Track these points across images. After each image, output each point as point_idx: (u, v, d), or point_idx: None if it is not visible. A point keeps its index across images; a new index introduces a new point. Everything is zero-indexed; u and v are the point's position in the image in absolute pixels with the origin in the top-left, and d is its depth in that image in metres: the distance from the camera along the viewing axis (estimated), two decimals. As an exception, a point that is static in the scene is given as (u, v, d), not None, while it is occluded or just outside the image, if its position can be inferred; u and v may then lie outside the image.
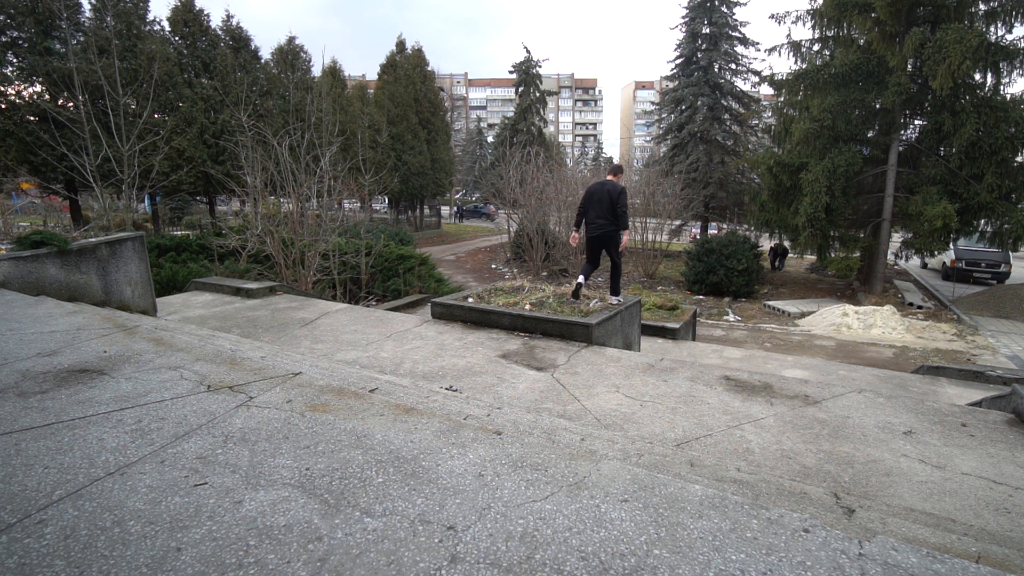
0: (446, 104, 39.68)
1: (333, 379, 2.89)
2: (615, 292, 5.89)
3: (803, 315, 14.13)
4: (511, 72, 37.84)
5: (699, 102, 26.43)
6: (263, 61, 22.57)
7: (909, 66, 15.17)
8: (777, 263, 22.77)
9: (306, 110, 11.17)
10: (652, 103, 46.20)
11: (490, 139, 59.55)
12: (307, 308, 6.40)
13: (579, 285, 5.79)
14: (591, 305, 5.66)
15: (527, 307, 5.56)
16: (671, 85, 28.94)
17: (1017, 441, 3.12)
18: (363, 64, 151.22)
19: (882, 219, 16.60)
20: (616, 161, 63.42)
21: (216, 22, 21.10)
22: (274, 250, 9.71)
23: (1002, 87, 14.76)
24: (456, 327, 5.45)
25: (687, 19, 26.82)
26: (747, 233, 20.41)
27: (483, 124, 67.53)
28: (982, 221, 15.49)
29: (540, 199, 19.68)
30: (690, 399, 3.68)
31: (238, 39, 21.42)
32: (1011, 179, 14.30)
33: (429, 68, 32.21)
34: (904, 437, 3.15)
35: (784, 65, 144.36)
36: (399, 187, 28.34)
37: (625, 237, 5.70)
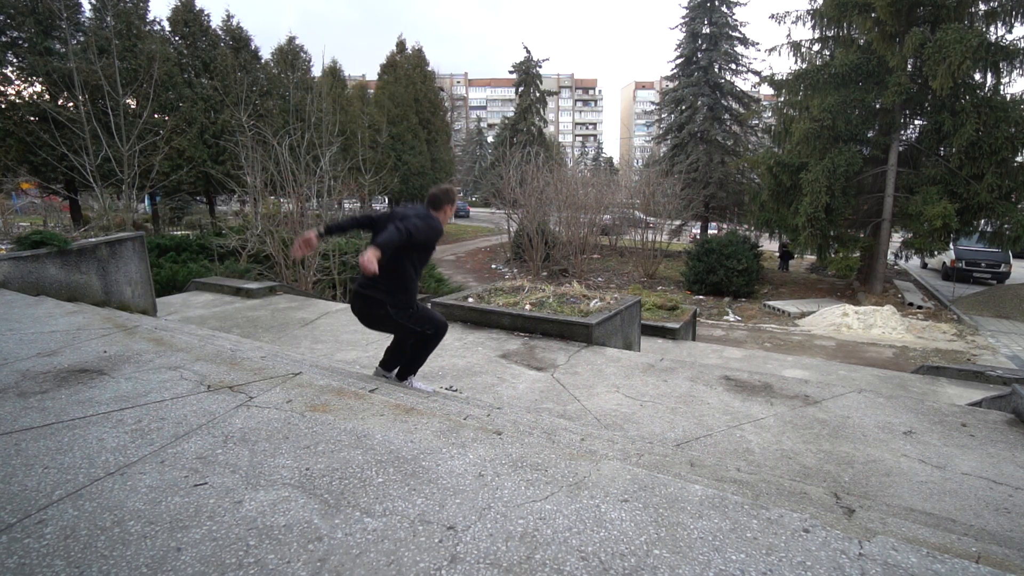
0: (446, 104, 39.69)
1: (333, 379, 2.89)
2: (409, 372, 3.41)
3: (803, 315, 14.13)
4: (511, 72, 37.84)
5: (699, 102, 26.42)
6: (263, 61, 22.59)
7: (909, 66, 15.16)
8: (780, 265, 22.77)
9: (306, 110, 11.18)
10: (652, 103, 46.21)
11: (490, 139, 59.56)
12: (307, 308, 6.40)
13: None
14: (591, 305, 5.66)
15: (527, 307, 5.56)
16: (671, 85, 28.93)
17: (1017, 441, 3.12)
18: (367, 55, 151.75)
19: (882, 219, 16.60)
20: (616, 162, 63.14)
21: (216, 22, 21.15)
22: (274, 250, 9.71)
23: (1002, 87, 14.76)
24: (456, 327, 5.45)
25: (687, 19, 26.82)
26: (747, 233, 20.42)
27: (483, 124, 67.55)
28: (982, 221, 15.49)
29: (540, 199, 19.69)
30: (690, 399, 3.68)
31: (238, 39, 21.42)
32: (1011, 179, 14.30)
33: (429, 68, 32.23)
34: (904, 437, 3.15)
35: (784, 65, 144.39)
36: (399, 187, 28.34)
37: (371, 253, 2.59)
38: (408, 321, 3.11)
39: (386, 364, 3.44)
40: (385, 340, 4.76)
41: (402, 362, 3.38)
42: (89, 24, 16.95)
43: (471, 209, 51.77)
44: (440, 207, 3.17)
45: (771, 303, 15.75)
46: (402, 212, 3.07)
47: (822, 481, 2.62)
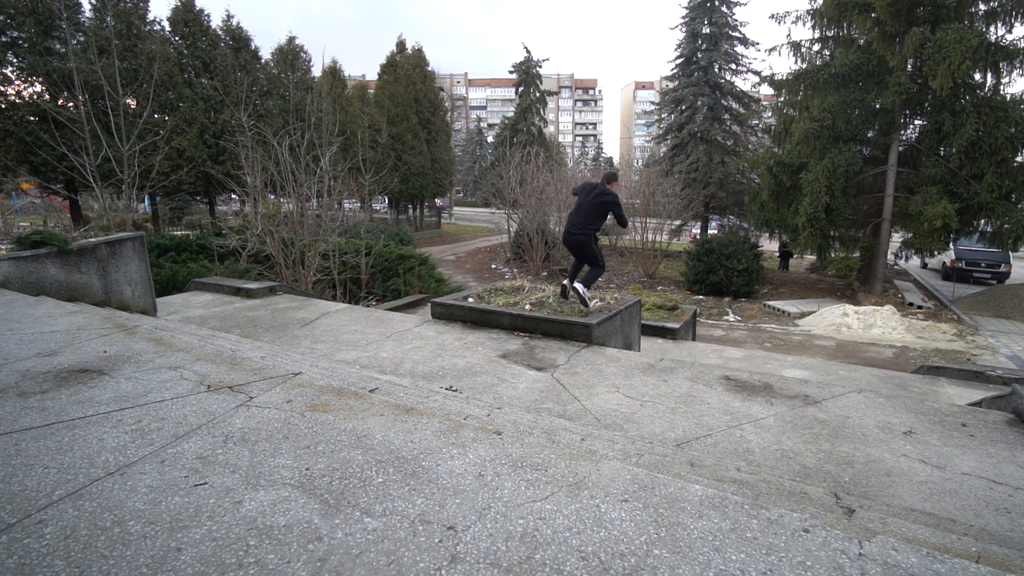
0: (446, 104, 39.69)
1: (333, 379, 2.89)
2: (586, 284, 5.56)
3: (803, 315, 14.13)
4: (511, 72, 37.91)
5: (699, 102, 26.42)
6: (263, 61, 22.59)
7: (909, 66, 15.16)
8: (780, 264, 22.78)
9: (306, 110, 11.17)
10: (652, 103, 46.22)
11: (490, 139, 59.68)
12: (307, 308, 6.40)
13: (564, 287, 5.75)
14: (591, 305, 5.66)
15: (527, 307, 5.56)
16: (671, 85, 28.94)
17: (1017, 441, 3.12)
18: (367, 55, 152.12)
19: (882, 219, 16.60)
20: (616, 162, 63.38)
21: (216, 22, 21.15)
22: (274, 250, 9.71)
23: (1002, 87, 14.76)
24: (456, 327, 5.45)
25: (687, 19, 26.82)
26: (747, 233, 20.42)
27: (483, 124, 67.60)
28: (982, 221, 15.49)
29: (540, 199, 19.69)
30: (690, 399, 3.68)
31: (238, 39, 21.43)
32: (1011, 179, 14.30)
33: (429, 68, 32.22)
34: (904, 437, 3.15)
35: (784, 65, 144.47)
36: (399, 187, 28.35)
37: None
38: (594, 246, 5.59)
39: (571, 278, 5.70)
40: (381, 341, 4.81)
41: (581, 278, 5.59)
42: (89, 24, 16.94)
43: (456, 208, 52.23)
44: (614, 182, 5.78)
45: (771, 303, 15.75)
46: (599, 187, 5.53)
47: (822, 481, 2.62)
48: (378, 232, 14.80)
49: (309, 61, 24.54)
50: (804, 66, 17.39)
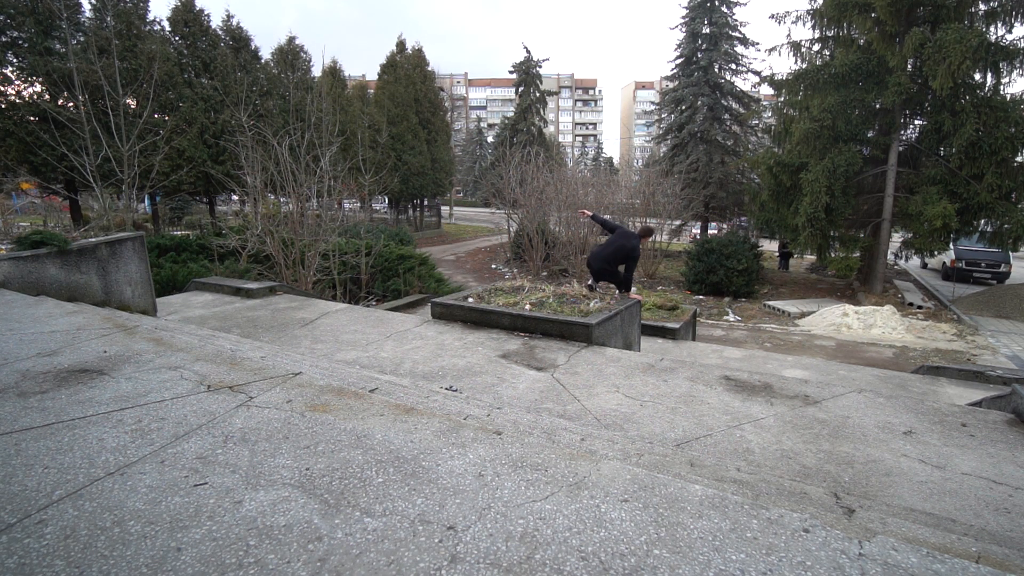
0: (446, 104, 39.67)
1: (333, 379, 2.89)
2: (627, 288, 6.56)
3: (803, 315, 14.13)
4: (511, 72, 37.92)
5: (699, 102, 26.42)
6: (263, 61, 22.57)
7: (909, 66, 15.16)
8: (780, 264, 22.78)
9: (306, 110, 11.17)
10: (652, 103, 46.23)
11: (490, 139, 59.69)
12: (307, 308, 6.40)
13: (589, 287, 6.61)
14: (591, 305, 5.66)
15: (527, 307, 5.56)
16: (671, 85, 28.94)
17: (1017, 441, 3.12)
18: (367, 55, 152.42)
19: (882, 219, 16.60)
20: (616, 162, 63.51)
21: (216, 22, 21.13)
22: (274, 250, 9.71)
23: (1002, 87, 14.75)
24: (456, 327, 5.45)
25: (687, 19, 26.82)
26: (747, 233, 20.41)
27: (483, 124, 67.58)
28: (982, 221, 15.49)
29: (540, 199, 19.68)
30: (690, 399, 3.68)
31: (238, 39, 21.42)
32: (1011, 179, 14.29)
33: (429, 68, 32.21)
34: (904, 437, 3.15)
35: (784, 65, 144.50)
36: (399, 187, 28.34)
37: (638, 296, 6.58)
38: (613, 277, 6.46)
39: (594, 287, 6.54)
40: (381, 341, 4.80)
41: (620, 287, 6.49)
42: (89, 24, 16.93)
43: (456, 208, 51.86)
44: (646, 237, 6.82)
45: (771, 303, 15.75)
46: (631, 242, 6.28)
47: (822, 481, 2.62)
48: (378, 232, 14.80)
49: (309, 61, 24.53)
50: (804, 66, 17.39)
